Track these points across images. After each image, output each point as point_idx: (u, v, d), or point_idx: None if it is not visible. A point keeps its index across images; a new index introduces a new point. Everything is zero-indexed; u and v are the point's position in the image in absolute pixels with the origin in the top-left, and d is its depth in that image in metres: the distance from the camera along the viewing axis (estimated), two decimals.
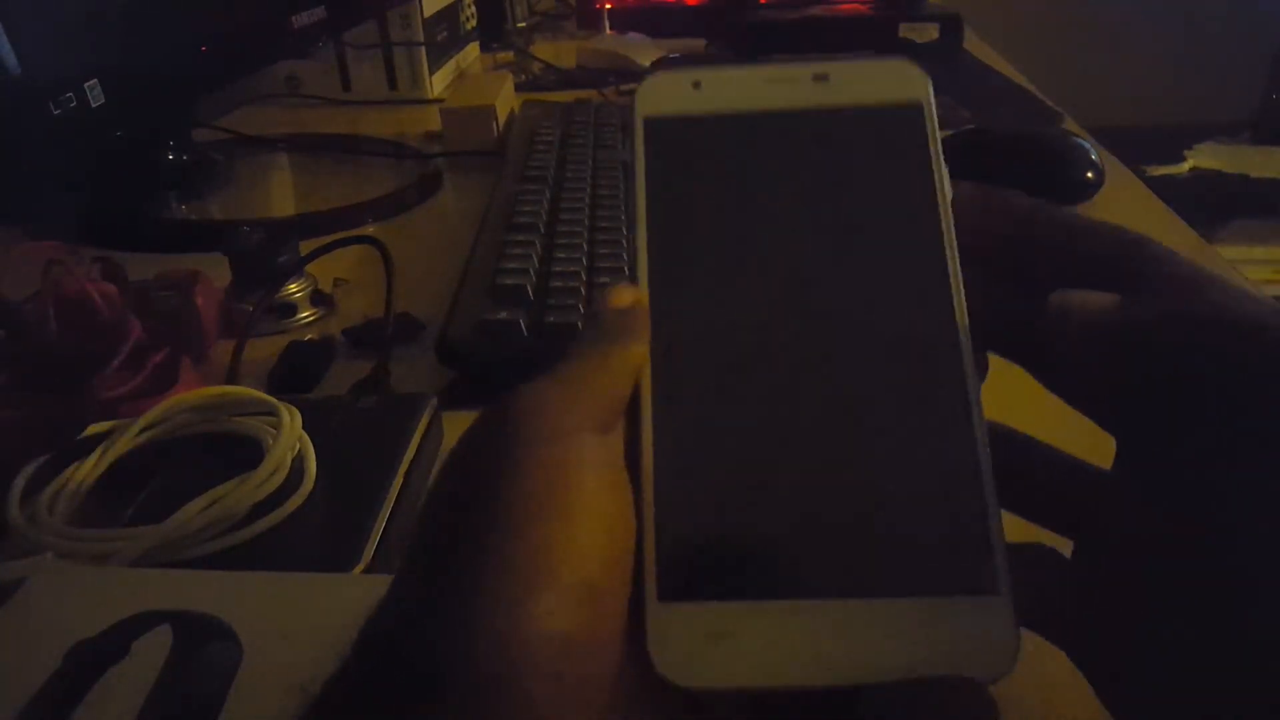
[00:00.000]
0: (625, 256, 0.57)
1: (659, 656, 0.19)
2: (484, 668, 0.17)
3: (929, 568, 0.19)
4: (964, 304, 0.21)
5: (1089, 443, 0.22)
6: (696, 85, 0.24)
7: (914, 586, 0.19)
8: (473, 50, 1.27)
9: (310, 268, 0.59)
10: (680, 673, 0.19)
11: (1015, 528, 0.21)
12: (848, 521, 0.20)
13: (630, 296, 0.22)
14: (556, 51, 1.29)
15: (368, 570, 0.35)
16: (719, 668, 0.19)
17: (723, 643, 0.19)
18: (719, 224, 0.22)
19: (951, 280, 0.21)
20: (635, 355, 0.22)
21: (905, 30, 1.30)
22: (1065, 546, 0.22)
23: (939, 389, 0.21)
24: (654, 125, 0.23)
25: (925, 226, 0.22)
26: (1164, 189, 0.76)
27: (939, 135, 0.23)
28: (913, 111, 0.23)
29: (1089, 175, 0.73)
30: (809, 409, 0.21)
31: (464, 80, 1.18)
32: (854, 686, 0.19)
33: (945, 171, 0.22)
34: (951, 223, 0.22)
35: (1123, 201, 0.74)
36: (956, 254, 0.22)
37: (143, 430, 0.41)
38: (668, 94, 0.24)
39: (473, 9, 1.27)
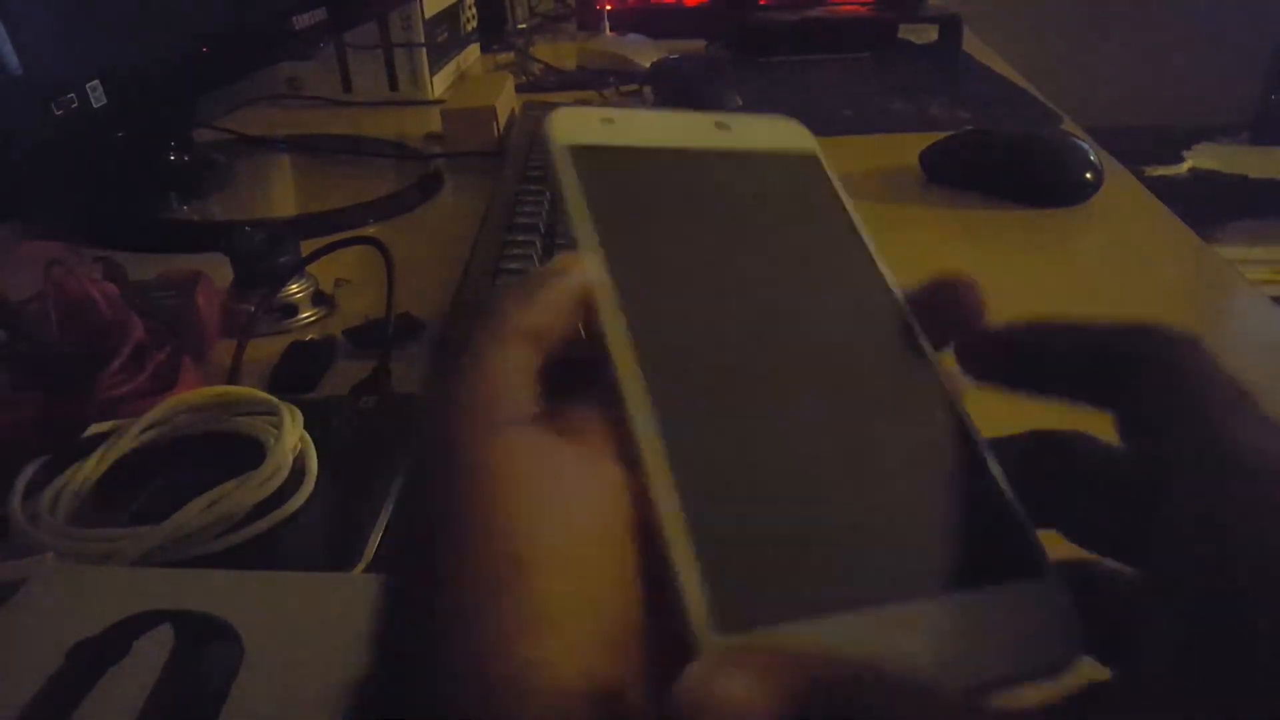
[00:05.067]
0: None
1: None
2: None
3: (967, 559, 0.19)
4: (907, 309, 0.23)
5: None
6: (607, 121, 0.24)
7: (959, 581, 0.19)
8: (473, 51, 1.27)
9: (311, 268, 0.59)
10: None
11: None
12: (879, 527, 0.19)
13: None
14: (557, 52, 1.29)
15: (368, 570, 0.35)
16: None
17: None
18: (673, 247, 0.22)
19: (895, 292, 0.23)
20: (575, 291, 0.20)
21: (905, 30, 1.30)
22: None
23: (915, 390, 0.22)
24: (578, 153, 0.23)
25: (856, 251, 0.24)
26: (1163, 189, 0.76)
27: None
28: (812, 159, 0.25)
29: (1088, 176, 0.73)
30: (809, 421, 0.20)
31: (464, 81, 1.19)
32: None
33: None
34: (873, 245, 0.24)
35: (1122, 202, 0.75)
36: (887, 269, 0.24)
37: (144, 430, 0.41)
38: (581, 126, 0.24)
39: (473, 10, 1.27)
